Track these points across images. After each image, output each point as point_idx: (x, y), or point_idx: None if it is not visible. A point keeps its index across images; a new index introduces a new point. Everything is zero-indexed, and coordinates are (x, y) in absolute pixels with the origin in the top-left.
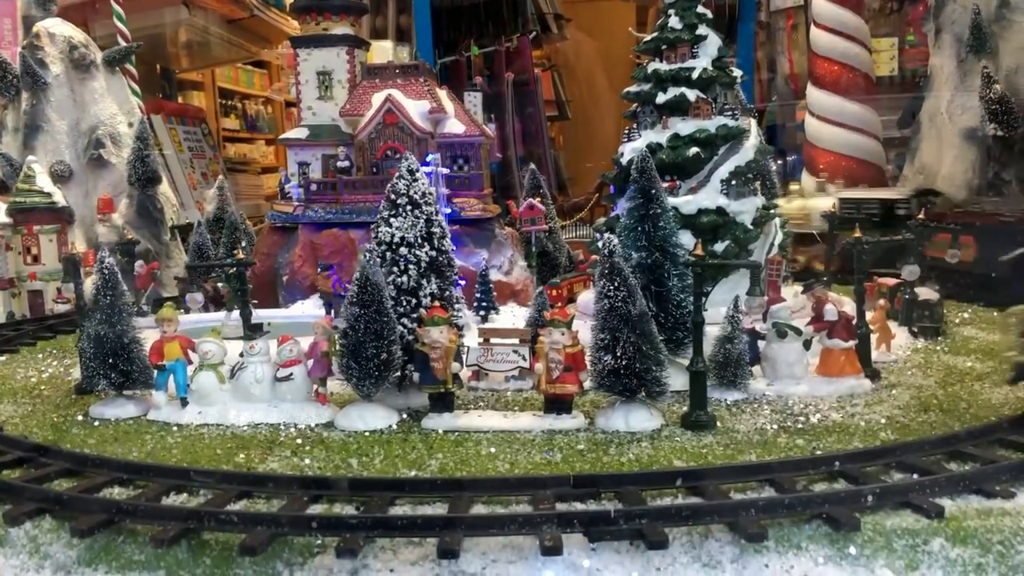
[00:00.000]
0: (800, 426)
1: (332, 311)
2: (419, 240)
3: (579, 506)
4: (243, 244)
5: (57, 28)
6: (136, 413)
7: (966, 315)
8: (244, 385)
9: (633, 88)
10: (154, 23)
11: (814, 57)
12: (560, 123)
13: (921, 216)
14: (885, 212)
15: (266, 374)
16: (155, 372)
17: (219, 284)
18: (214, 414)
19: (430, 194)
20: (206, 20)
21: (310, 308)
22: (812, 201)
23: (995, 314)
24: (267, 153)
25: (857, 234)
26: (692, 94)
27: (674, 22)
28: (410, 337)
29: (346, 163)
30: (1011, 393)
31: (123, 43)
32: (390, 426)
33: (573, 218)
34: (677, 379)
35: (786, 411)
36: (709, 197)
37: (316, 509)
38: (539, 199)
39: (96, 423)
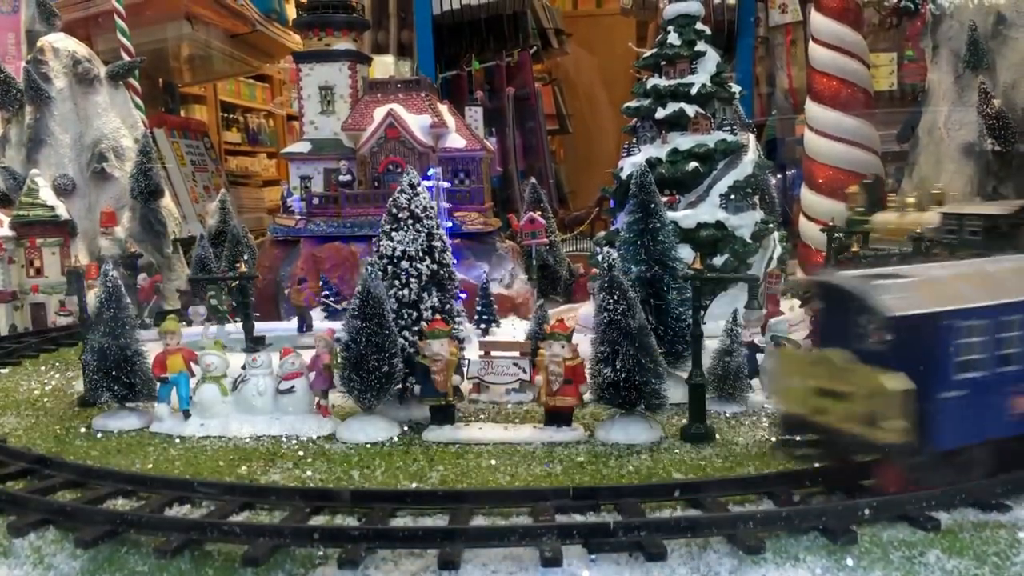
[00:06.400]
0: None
1: (305, 326)
2: (420, 253)
3: (579, 518)
4: (245, 258)
5: (61, 43)
6: (139, 425)
7: None
8: (246, 397)
9: (633, 103)
10: (157, 38)
11: (813, 72)
12: (560, 137)
13: (919, 230)
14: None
15: (268, 386)
16: (158, 384)
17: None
18: (216, 426)
19: (431, 208)
20: (208, 35)
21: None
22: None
23: None
24: (268, 166)
25: (855, 249)
26: (691, 109)
27: (673, 38)
28: (411, 350)
29: (348, 177)
30: None
31: (126, 57)
32: (391, 438)
33: (573, 231)
34: (676, 392)
35: None
36: (708, 211)
37: (318, 520)
38: (540, 213)
39: (99, 435)
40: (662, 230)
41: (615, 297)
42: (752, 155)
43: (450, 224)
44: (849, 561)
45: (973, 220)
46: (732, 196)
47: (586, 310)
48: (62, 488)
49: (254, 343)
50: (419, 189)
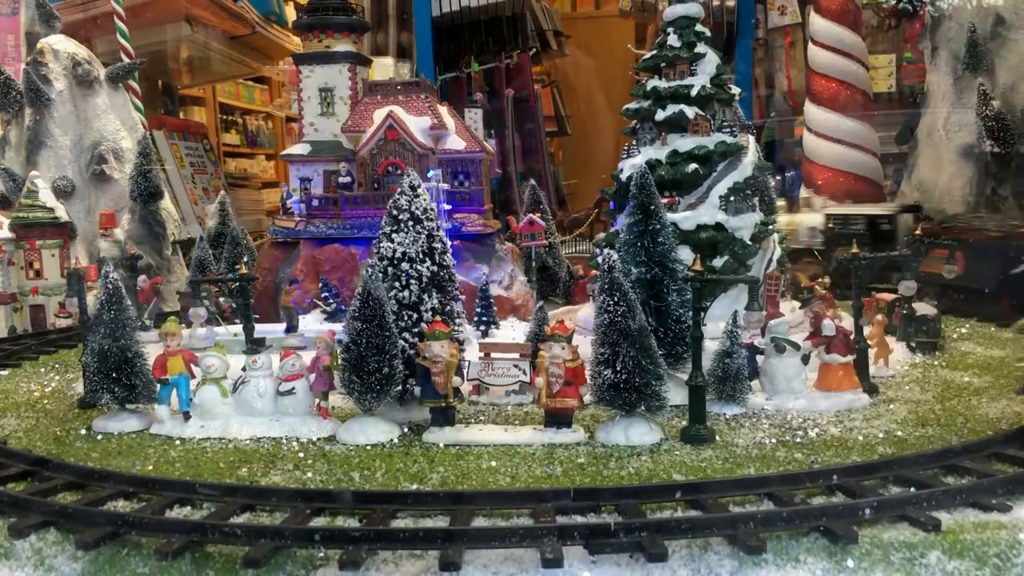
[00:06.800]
0: (798, 440)
1: (290, 327)
2: (421, 255)
3: (579, 519)
4: (245, 259)
5: (61, 45)
6: (139, 427)
7: (963, 330)
8: (246, 399)
9: (632, 105)
10: (156, 39)
11: (812, 74)
12: (559, 139)
13: (918, 232)
14: (871, 228)
15: (268, 388)
16: (158, 386)
17: (220, 299)
18: (216, 428)
19: (432, 209)
20: (208, 36)
21: (311, 323)
22: (800, 216)
23: (992, 329)
24: (267, 168)
25: (854, 249)
26: (691, 111)
27: (673, 40)
28: (412, 351)
29: (347, 179)
30: (1008, 408)
31: (126, 59)
32: (392, 440)
33: (573, 233)
34: (676, 393)
35: (784, 425)
36: (708, 213)
37: (319, 522)
38: (539, 214)
39: (99, 437)
40: (662, 232)
41: (615, 299)
42: (751, 157)
43: (449, 226)
44: (850, 562)
45: (856, 220)
46: (732, 198)
47: (586, 312)
48: (63, 490)
49: (254, 345)
50: (419, 191)
